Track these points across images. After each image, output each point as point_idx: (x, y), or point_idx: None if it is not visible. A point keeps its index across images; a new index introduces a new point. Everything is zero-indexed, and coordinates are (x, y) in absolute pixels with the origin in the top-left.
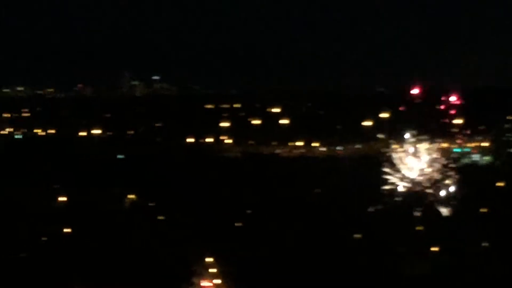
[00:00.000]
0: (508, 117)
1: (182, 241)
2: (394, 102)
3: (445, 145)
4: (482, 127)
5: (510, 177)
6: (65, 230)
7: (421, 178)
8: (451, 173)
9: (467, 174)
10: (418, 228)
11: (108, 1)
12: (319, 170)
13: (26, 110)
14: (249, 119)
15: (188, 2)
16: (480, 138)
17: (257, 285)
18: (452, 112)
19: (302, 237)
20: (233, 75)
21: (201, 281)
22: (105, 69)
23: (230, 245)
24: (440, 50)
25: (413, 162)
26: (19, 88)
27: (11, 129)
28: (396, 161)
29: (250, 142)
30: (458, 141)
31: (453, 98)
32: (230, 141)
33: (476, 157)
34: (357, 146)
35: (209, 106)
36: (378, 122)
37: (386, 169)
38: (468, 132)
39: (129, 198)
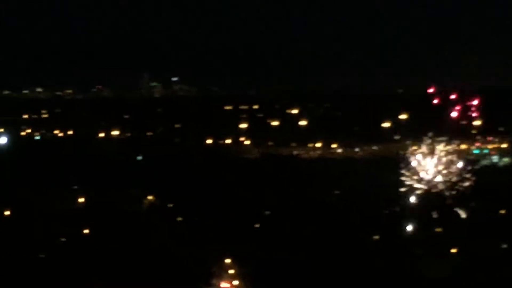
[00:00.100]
0: None
1: (200, 242)
2: (413, 103)
3: (464, 146)
4: (501, 129)
5: None
6: (84, 231)
7: (439, 179)
8: (470, 174)
9: (486, 175)
10: (437, 229)
11: (126, 4)
12: (337, 171)
13: (45, 111)
14: (267, 121)
15: (201, 4)
16: (499, 139)
17: (275, 286)
18: (471, 113)
19: (320, 239)
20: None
21: (219, 282)
22: (124, 70)
23: (248, 246)
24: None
25: (432, 163)
26: (38, 90)
27: (31, 130)
28: (414, 163)
29: (269, 143)
30: (477, 142)
31: (472, 100)
32: (248, 142)
33: (495, 158)
34: (376, 147)
35: (228, 108)
36: (397, 123)
37: (405, 171)
38: (487, 133)
39: (148, 199)
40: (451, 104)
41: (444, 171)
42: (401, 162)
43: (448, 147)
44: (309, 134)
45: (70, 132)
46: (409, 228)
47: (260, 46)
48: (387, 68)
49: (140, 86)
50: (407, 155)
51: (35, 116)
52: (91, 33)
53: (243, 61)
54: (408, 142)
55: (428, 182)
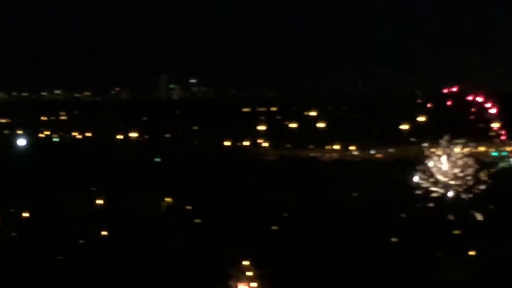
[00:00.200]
0: None
1: (218, 244)
2: (431, 104)
3: (482, 148)
4: None
5: None
6: (102, 233)
7: (457, 181)
8: (488, 177)
9: (504, 177)
10: (455, 232)
11: (144, 6)
12: (355, 173)
13: (63, 113)
14: (286, 123)
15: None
16: None
17: None
18: (489, 115)
19: (339, 241)
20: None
21: (237, 284)
22: (143, 72)
23: (266, 248)
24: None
25: (450, 165)
26: (56, 91)
27: (49, 132)
28: (432, 165)
29: (287, 145)
30: (495, 144)
31: (490, 101)
32: (266, 144)
33: None
34: (394, 149)
35: (246, 109)
36: (415, 125)
37: (423, 173)
38: (506, 135)
39: (166, 201)
40: (469, 106)
41: (462, 174)
42: (419, 164)
43: (466, 149)
44: (327, 136)
45: (89, 134)
46: (427, 230)
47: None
48: (403, 69)
49: (158, 88)
50: (425, 157)
51: (53, 118)
52: (110, 35)
53: (257, 62)
54: (426, 144)
55: (446, 184)
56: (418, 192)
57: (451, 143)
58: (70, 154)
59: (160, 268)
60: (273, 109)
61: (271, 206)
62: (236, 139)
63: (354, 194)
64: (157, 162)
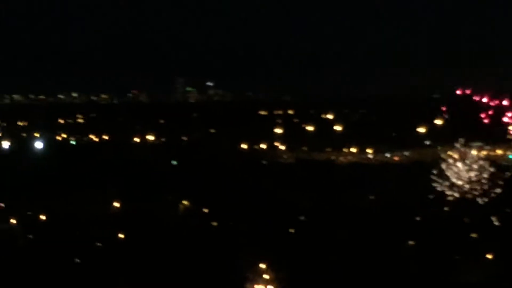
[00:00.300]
0: None
1: (235, 247)
2: (447, 108)
3: (499, 151)
4: None
5: None
6: (119, 235)
7: (474, 185)
8: (505, 179)
9: None
10: (472, 235)
11: (162, 9)
12: (372, 176)
13: (80, 116)
14: (303, 126)
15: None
16: None
17: None
18: (506, 118)
19: (355, 243)
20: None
21: (254, 287)
22: (160, 75)
23: (283, 251)
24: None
25: (467, 168)
26: (74, 94)
27: (66, 135)
28: (449, 168)
29: (304, 148)
30: None
31: (507, 104)
32: (283, 147)
33: None
34: (410, 152)
35: (263, 113)
36: (431, 128)
37: (440, 176)
38: None
39: (182, 204)
40: (486, 109)
41: (478, 177)
42: (435, 167)
43: (483, 152)
44: (344, 139)
45: (105, 137)
46: (445, 233)
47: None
48: (421, 73)
49: (175, 91)
50: (441, 160)
51: (70, 121)
52: (128, 38)
53: (274, 65)
54: (442, 147)
55: (463, 187)
56: (435, 195)
57: (467, 146)
58: (87, 157)
59: (177, 270)
60: (290, 112)
61: (287, 209)
62: (253, 142)
63: (371, 197)
64: (174, 165)
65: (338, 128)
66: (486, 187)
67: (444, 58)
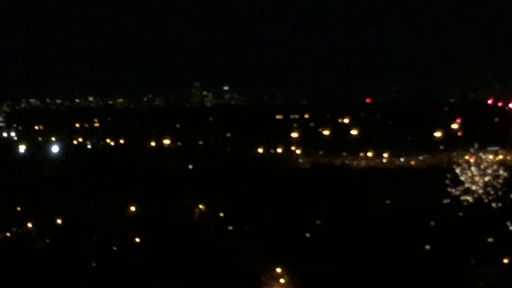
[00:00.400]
0: None
1: (251, 251)
2: (464, 112)
3: None
4: None
5: None
6: (135, 240)
7: (489, 189)
8: None
9: None
10: (489, 240)
11: (179, 13)
12: (389, 181)
13: (96, 120)
14: (319, 130)
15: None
16: None
17: None
18: None
19: (372, 248)
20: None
21: None
22: (176, 79)
23: (299, 255)
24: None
25: (483, 173)
26: (90, 99)
27: (82, 139)
28: (466, 173)
29: (320, 152)
30: None
31: None
32: (299, 151)
33: None
34: (427, 156)
35: (279, 117)
36: (449, 132)
37: (456, 180)
38: None
39: (199, 208)
40: (502, 113)
41: (495, 182)
42: (452, 172)
43: (499, 157)
44: (360, 144)
45: (122, 141)
46: (461, 238)
47: (309, 55)
48: (438, 76)
49: (191, 95)
50: (458, 165)
51: (86, 125)
52: (144, 43)
53: (290, 70)
54: (459, 152)
55: (479, 192)
56: (451, 199)
57: (483, 150)
58: (103, 161)
59: (192, 274)
60: (306, 116)
61: (304, 213)
62: (269, 146)
63: (388, 201)
64: (190, 169)
65: (354, 132)
66: (502, 191)
67: (460, 60)
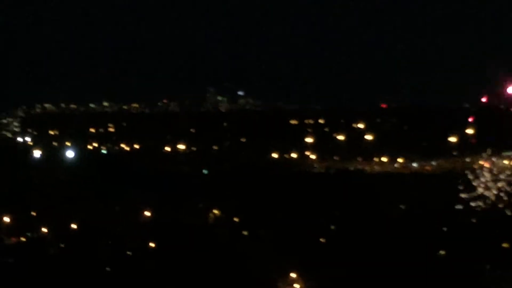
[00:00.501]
0: None
1: (266, 256)
2: (479, 117)
3: None
4: None
5: None
6: (150, 244)
7: (505, 194)
8: None
9: None
10: (504, 245)
11: (194, 18)
12: (403, 186)
13: (111, 125)
14: (333, 135)
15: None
16: None
17: None
18: None
19: (387, 253)
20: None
21: None
22: (191, 84)
23: (313, 260)
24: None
25: (497, 179)
26: (105, 103)
27: (97, 144)
28: (479, 177)
29: (335, 157)
30: None
31: None
32: (314, 156)
33: None
34: (441, 162)
35: (293, 122)
36: (464, 137)
37: (471, 185)
38: None
39: (213, 213)
40: None
41: (509, 187)
42: (466, 177)
43: None
44: (375, 149)
45: (137, 146)
46: (476, 243)
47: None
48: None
49: (206, 100)
50: (473, 170)
51: (101, 130)
52: (159, 47)
53: (304, 75)
54: (474, 157)
55: (494, 197)
56: (466, 204)
57: (497, 155)
58: (118, 166)
59: (207, 279)
60: (321, 121)
61: (318, 218)
62: (284, 151)
63: (402, 206)
64: (205, 174)
65: (369, 137)
66: None
67: (475, 65)
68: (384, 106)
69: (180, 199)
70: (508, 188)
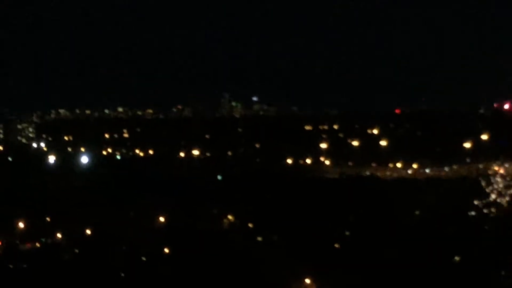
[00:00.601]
0: None
1: (280, 261)
2: (493, 123)
3: None
4: None
5: None
6: (165, 249)
7: None
8: None
9: None
10: None
11: (208, 24)
12: (418, 191)
13: (126, 131)
14: (348, 140)
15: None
16: None
17: None
18: None
19: (401, 259)
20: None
21: None
22: (205, 90)
23: (328, 266)
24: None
25: (508, 184)
26: (119, 109)
27: (112, 150)
28: (494, 183)
29: (349, 163)
30: None
31: None
32: (328, 162)
33: None
34: (455, 168)
35: (307, 127)
36: (478, 143)
37: (486, 191)
38: None
39: (228, 219)
40: None
41: None
42: (480, 183)
43: None
44: (389, 154)
45: (151, 152)
46: (491, 249)
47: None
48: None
49: (220, 105)
50: (487, 176)
51: (116, 136)
52: (173, 53)
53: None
54: (488, 162)
55: (510, 203)
56: (481, 210)
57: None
58: (132, 172)
59: (221, 284)
60: (335, 127)
61: (333, 224)
62: (298, 157)
63: (417, 212)
64: (219, 180)
65: (383, 143)
66: None
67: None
68: (398, 111)
69: (195, 204)
70: None
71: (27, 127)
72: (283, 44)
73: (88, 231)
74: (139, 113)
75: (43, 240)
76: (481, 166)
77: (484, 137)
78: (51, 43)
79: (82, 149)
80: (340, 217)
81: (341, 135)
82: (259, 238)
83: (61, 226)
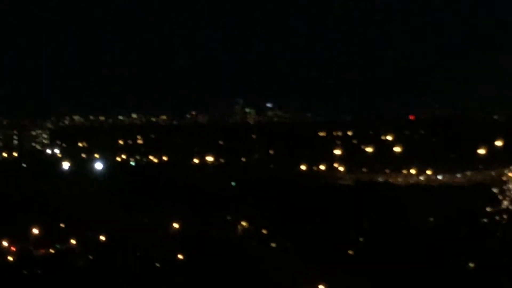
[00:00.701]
0: None
1: (294, 268)
2: (507, 129)
3: None
4: None
5: None
6: (179, 256)
7: None
8: None
9: None
10: None
11: (222, 31)
12: (432, 198)
13: (140, 137)
14: (362, 147)
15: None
16: None
17: None
18: None
19: (415, 265)
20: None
21: None
22: (219, 96)
23: (342, 272)
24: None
25: None
26: (134, 116)
27: (126, 156)
28: (507, 190)
29: (363, 169)
30: None
31: None
32: (342, 168)
33: None
34: (470, 174)
35: (322, 134)
36: (491, 149)
37: (499, 198)
38: None
39: (241, 225)
40: None
41: None
42: (494, 189)
43: None
44: (403, 161)
45: (165, 158)
46: (504, 255)
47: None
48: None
49: (234, 112)
50: (500, 182)
51: (130, 142)
52: (188, 60)
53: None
54: (502, 169)
55: None
56: (496, 217)
57: None
58: (146, 178)
59: None
60: (349, 133)
61: (347, 230)
62: (312, 163)
63: (431, 219)
64: (233, 186)
65: (397, 149)
66: None
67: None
68: (412, 117)
69: (208, 211)
70: None
71: (41, 134)
72: (299, 49)
73: (102, 237)
74: (153, 119)
75: (57, 246)
76: (493, 173)
77: (498, 143)
78: (65, 51)
79: (96, 156)
80: (353, 223)
81: (355, 141)
82: (273, 244)
83: (75, 232)
